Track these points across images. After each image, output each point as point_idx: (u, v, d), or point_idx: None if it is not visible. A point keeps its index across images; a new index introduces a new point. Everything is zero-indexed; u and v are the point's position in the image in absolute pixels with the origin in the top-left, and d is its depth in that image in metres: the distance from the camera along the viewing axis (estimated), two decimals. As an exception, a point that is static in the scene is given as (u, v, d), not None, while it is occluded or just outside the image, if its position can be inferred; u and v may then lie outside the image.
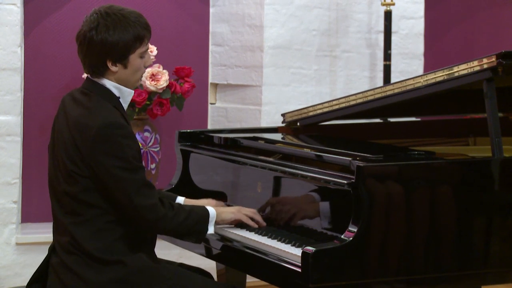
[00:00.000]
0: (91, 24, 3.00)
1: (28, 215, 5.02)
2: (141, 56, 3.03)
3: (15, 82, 4.79)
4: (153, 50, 4.84)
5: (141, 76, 3.10)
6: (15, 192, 4.83)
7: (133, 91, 3.09)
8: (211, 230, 3.11)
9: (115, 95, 3.04)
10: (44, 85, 5.01)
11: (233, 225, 3.29)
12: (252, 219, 3.27)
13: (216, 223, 3.16)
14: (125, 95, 3.07)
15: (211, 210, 3.13)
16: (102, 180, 2.93)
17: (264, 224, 3.29)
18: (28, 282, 3.13)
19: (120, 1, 5.16)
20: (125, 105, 3.08)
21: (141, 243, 3.04)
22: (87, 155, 2.93)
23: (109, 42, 2.95)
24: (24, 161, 4.96)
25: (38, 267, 3.14)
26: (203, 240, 3.19)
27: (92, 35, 2.97)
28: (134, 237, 3.03)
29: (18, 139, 4.84)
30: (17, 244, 4.83)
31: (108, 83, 3.02)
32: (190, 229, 3.07)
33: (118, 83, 3.03)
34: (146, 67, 3.10)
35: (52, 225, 3.08)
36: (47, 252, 3.12)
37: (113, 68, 2.99)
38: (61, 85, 5.03)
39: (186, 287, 3.04)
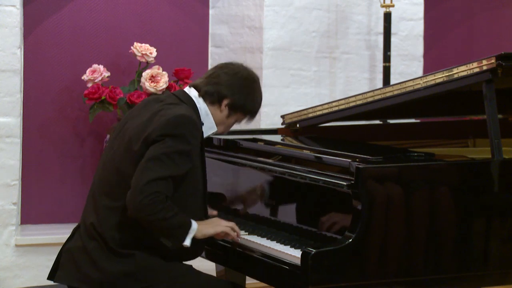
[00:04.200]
0: (243, 73, 3.28)
1: (27, 217, 5.01)
2: (236, 121, 3.31)
3: (15, 84, 4.79)
4: (153, 51, 4.84)
5: (220, 132, 3.32)
6: (15, 194, 4.82)
7: (215, 129, 3.27)
8: (187, 242, 3.06)
9: (200, 117, 3.19)
10: (44, 87, 5.01)
11: (217, 239, 3.26)
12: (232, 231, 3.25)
13: (196, 237, 3.09)
14: (208, 126, 3.24)
15: (194, 223, 3.08)
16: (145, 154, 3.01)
17: (240, 235, 3.25)
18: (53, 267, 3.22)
19: (120, 2, 5.18)
20: (204, 134, 3.22)
21: (158, 246, 3.07)
22: (151, 134, 3.03)
23: (244, 97, 3.24)
24: (24, 162, 4.96)
25: (60, 250, 3.22)
26: (175, 248, 3.09)
27: (240, 81, 3.25)
28: (152, 239, 3.05)
29: (18, 140, 4.83)
30: (16, 245, 4.83)
31: (203, 106, 3.22)
32: (170, 230, 3.04)
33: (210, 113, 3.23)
34: (224, 131, 3.32)
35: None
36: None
37: (222, 107, 3.24)
38: (60, 87, 5.03)
39: (189, 283, 3.07)
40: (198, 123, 3.12)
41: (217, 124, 3.26)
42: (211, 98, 3.22)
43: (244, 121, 3.32)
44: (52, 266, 3.23)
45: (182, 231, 3.05)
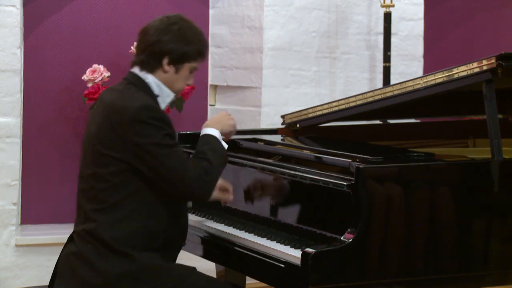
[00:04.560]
0: (165, 22, 3.12)
1: (27, 217, 5.01)
2: (191, 71, 3.17)
3: (15, 84, 4.79)
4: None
5: (182, 90, 3.22)
6: (15, 194, 4.82)
7: (173, 95, 3.18)
8: (225, 145, 3.19)
9: (153, 93, 3.12)
10: (44, 87, 5.01)
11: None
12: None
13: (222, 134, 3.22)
14: (164, 96, 3.16)
15: (213, 132, 3.19)
16: (143, 160, 3.00)
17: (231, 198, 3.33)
18: (52, 277, 3.20)
19: (120, 2, 5.17)
20: (162, 105, 3.16)
21: (155, 241, 3.07)
22: (123, 135, 3.01)
23: (176, 42, 3.09)
24: (24, 162, 4.96)
25: (57, 260, 3.19)
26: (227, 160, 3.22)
27: (163, 31, 3.10)
28: (150, 233, 3.05)
29: (18, 140, 4.83)
30: (16, 245, 4.83)
31: (152, 79, 3.13)
32: (219, 165, 3.13)
33: (161, 83, 3.14)
34: (187, 85, 3.22)
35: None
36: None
37: (166, 67, 3.12)
38: (60, 87, 5.03)
39: (190, 285, 3.06)
40: (156, 107, 3.06)
41: (173, 87, 3.16)
42: (149, 66, 3.12)
43: (196, 65, 3.17)
44: (52, 275, 3.20)
45: (221, 151, 3.16)
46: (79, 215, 3.14)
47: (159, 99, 3.14)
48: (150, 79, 3.13)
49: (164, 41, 3.09)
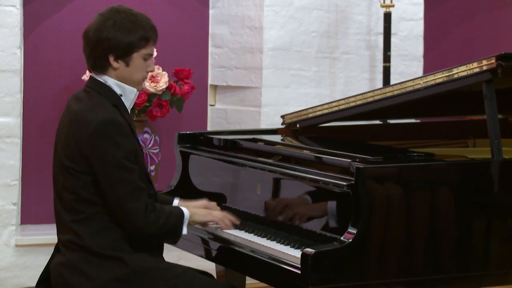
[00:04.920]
0: (100, 20, 3.04)
1: (27, 217, 5.01)
2: (145, 58, 3.08)
3: (15, 84, 4.79)
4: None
5: (143, 79, 3.13)
6: (15, 194, 4.82)
7: (137, 91, 3.12)
8: (184, 231, 3.11)
9: (116, 93, 3.07)
10: (44, 87, 5.01)
11: (205, 227, 3.31)
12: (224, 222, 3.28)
13: (189, 224, 3.15)
14: (127, 93, 3.09)
15: (185, 211, 3.12)
16: (97, 177, 2.96)
17: (238, 222, 3.29)
18: (36, 284, 3.17)
19: (120, 2, 5.17)
20: (128, 104, 3.11)
21: (145, 243, 3.05)
22: (84, 150, 2.96)
23: (115, 37, 3.01)
24: (24, 162, 4.96)
25: (44, 269, 3.17)
26: (177, 242, 3.17)
27: (99, 30, 3.02)
28: (136, 237, 3.03)
29: (18, 140, 4.84)
30: (16, 245, 4.83)
31: (110, 81, 3.07)
32: (168, 232, 3.07)
33: (119, 81, 3.06)
34: (148, 72, 3.12)
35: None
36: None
37: (115, 64, 3.04)
38: (60, 87, 5.03)
39: (187, 286, 3.05)
40: (117, 119, 2.98)
41: (131, 81, 3.08)
42: (100, 68, 3.05)
43: (152, 50, 3.10)
44: (38, 280, 3.17)
45: (179, 227, 3.08)
46: (60, 224, 3.09)
47: (123, 98, 3.08)
48: (109, 81, 3.06)
49: (103, 39, 3.00)
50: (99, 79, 3.08)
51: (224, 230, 3.30)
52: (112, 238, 2.99)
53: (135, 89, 3.11)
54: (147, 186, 3.08)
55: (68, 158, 3.00)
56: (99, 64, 3.05)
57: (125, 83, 3.08)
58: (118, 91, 3.08)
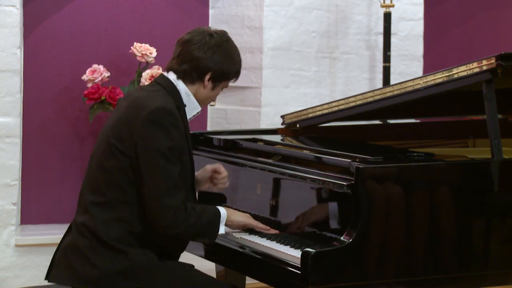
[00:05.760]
0: (214, 40, 3.15)
1: (27, 217, 5.01)
2: (222, 88, 3.22)
3: (15, 84, 4.79)
4: (152, 51, 4.84)
5: (206, 104, 3.26)
6: (15, 194, 4.82)
7: (200, 108, 3.20)
8: (222, 230, 3.14)
9: (182, 100, 3.14)
10: (44, 87, 5.01)
11: (240, 231, 3.30)
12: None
13: (226, 224, 3.19)
14: (192, 107, 3.18)
15: (222, 210, 3.16)
16: (139, 162, 2.99)
17: (274, 231, 3.28)
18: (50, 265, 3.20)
19: (120, 3, 5.17)
20: (188, 116, 3.17)
21: (152, 240, 3.06)
22: (135, 131, 3.01)
23: (221, 63, 3.14)
24: (24, 162, 4.96)
25: (56, 249, 3.21)
26: (214, 241, 3.17)
27: (211, 49, 3.13)
28: (147, 232, 3.05)
29: (18, 140, 4.83)
30: (16, 245, 4.83)
31: (182, 88, 3.15)
32: (201, 231, 3.09)
33: (194, 97, 3.16)
34: (213, 100, 3.27)
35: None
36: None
37: (206, 83, 3.15)
38: (60, 87, 5.03)
39: (186, 285, 3.05)
40: (175, 112, 3.05)
41: (203, 101, 3.19)
42: (190, 77, 3.15)
43: (228, 84, 3.23)
44: (49, 266, 3.22)
45: (213, 226, 3.10)
46: (80, 204, 3.16)
47: (186, 109, 3.16)
48: (181, 86, 3.15)
49: (211, 59, 3.13)
50: (172, 81, 3.15)
51: (225, 231, 3.28)
52: (122, 231, 3.03)
53: (199, 108, 3.20)
54: (187, 191, 3.11)
55: (115, 137, 3.05)
56: (192, 75, 3.14)
57: (196, 98, 3.17)
58: (185, 99, 3.15)
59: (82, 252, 3.04)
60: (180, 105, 3.13)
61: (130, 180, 3.03)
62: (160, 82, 3.17)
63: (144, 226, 3.04)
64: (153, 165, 2.98)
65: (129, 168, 3.03)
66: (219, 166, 3.39)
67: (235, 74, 3.22)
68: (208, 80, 3.15)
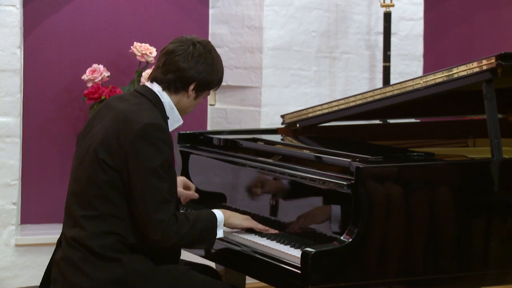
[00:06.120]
0: (198, 50, 3.14)
1: (27, 217, 5.01)
2: (204, 97, 3.22)
3: (15, 84, 4.79)
4: (152, 51, 4.84)
5: (187, 113, 3.24)
6: (15, 194, 4.82)
7: (182, 122, 3.20)
8: (219, 234, 3.13)
9: (165, 112, 3.13)
10: (44, 87, 5.01)
11: (240, 230, 3.30)
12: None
13: (225, 225, 3.18)
14: (174, 120, 3.17)
15: (219, 214, 3.14)
16: (130, 178, 2.98)
17: (274, 231, 3.28)
18: (40, 285, 3.18)
19: (120, 2, 5.17)
20: (170, 129, 3.15)
21: (146, 248, 3.04)
22: (126, 146, 2.99)
23: (206, 73, 3.13)
24: (24, 162, 4.96)
25: (47, 268, 3.18)
26: (212, 247, 3.18)
27: (195, 59, 3.13)
28: (140, 243, 3.03)
29: (18, 140, 4.83)
30: (16, 245, 4.83)
31: (167, 100, 3.14)
32: (196, 239, 3.08)
33: (176, 106, 3.15)
34: (192, 110, 3.26)
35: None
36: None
37: (190, 93, 3.15)
38: (60, 87, 5.03)
39: (185, 286, 3.04)
40: (165, 127, 3.05)
41: (185, 110, 3.19)
42: (175, 87, 3.14)
43: (209, 93, 3.24)
44: (42, 280, 3.18)
45: (209, 231, 3.10)
46: (68, 218, 3.11)
47: (169, 122, 3.15)
48: (165, 99, 3.14)
49: (195, 69, 3.12)
50: (156, 93, 3.14)
51: (225, 231, 3.28)
52: (114, 240, 3.00)
53: (181, 121, 3.20)
54: (176, 202, 3.11)
55: (105, 150, 3.01)
56: (177, 85, 3.13)
57: (178, 109, 3.17)
58: (168, 112, 3.15)
59: (75, 265, 3.00)
60: (165, 118, 3.12)
61: (121, 194, 3.00)
62: (145, 94, 3.14)
63: (137, 237, 3.02)
64: (144, 183, 2.96)
65: (119, 181, 3.00)
66: (186, 181, 3.46)
67: (218, 82, 3.21)
68: (192, 90, 3.14)
